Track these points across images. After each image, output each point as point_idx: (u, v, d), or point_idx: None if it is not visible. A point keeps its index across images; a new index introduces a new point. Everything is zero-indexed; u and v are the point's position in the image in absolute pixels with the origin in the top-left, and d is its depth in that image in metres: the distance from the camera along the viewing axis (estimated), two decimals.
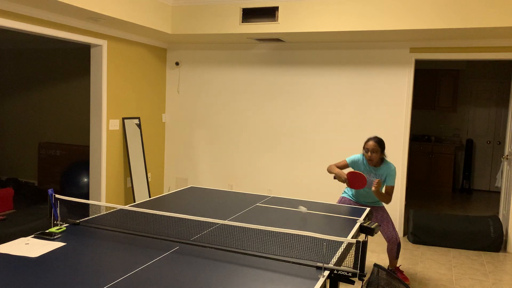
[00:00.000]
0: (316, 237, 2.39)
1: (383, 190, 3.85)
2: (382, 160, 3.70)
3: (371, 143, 3.60)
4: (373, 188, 3.52)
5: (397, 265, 4.29)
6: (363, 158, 3.75)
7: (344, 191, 3.98)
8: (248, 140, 5.92)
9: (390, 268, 3.92)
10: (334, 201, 5.51)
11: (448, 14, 4.22)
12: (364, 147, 3.65)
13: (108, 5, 4.26)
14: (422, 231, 4.96)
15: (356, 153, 5.38)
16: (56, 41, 6.98)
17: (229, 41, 5.69)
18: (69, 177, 5.99)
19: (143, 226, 2.53)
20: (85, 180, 5.97)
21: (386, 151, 5.23)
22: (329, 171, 3.76)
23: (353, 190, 3.84)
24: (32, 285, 1.68)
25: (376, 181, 3.50)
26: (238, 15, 4.99)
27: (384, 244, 4.96)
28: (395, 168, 3.67)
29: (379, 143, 3.60)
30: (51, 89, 7.28)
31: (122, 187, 5.52)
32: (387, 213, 3.84)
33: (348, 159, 3.79)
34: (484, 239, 4.80)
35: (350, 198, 3.89)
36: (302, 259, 2.07)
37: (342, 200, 3.92)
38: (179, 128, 6.31)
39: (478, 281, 3.97)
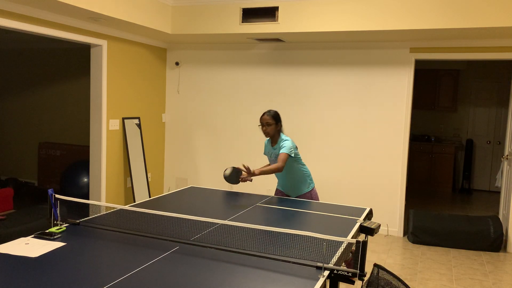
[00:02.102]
0: (316, 237, 2.39)
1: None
2: (279, 135, 3.63)
3: (264, 116, 3.56)
4: (251, 177, 3.41)
5: None
6: (267, 141, 3.76)
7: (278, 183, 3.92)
8: (248, 140, 5.91)
9: None
10: (333, 200, 5.51)
11: (448, 14, 4.22)
12: (260, 122, 3.58)
13: (108, 5, 4.26)
14: (422, 231, 4.96)
15: (354, 152, 5.39)
16: (56, 41, 6.98)
17: (229, 41, 5.69)
18: (69, 177, 5.99)
19: (143, 226, 2.53)
20: (85, 180, 5.97)
21: (386, 150, 5.23)
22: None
23: (280, 181, 3.79)
24: (32, 285, 1.68)
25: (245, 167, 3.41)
26: (238, 15, 4.99)
27: (384, 244, 4.96)
28: (288, 139, 3.57)
29: (273, 116, 3.55)
30: (51, 89, 7.28)
31: (122, 187, 5.52)
32: (316, 199, 3.73)
33: (264, 151, 3.80)
34: (484, 239, 4.80)
35: (279, 188, 3.83)
36: (302, 259, 2.07)
37: (275, 192, 3.88)
38: (179, 128, 6.31)
39: (478, 281, 3.97)
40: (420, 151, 8.13)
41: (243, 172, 3.54)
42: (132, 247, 2.16)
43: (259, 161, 5.86)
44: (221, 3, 5.06)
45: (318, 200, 3.74)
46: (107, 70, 5.14)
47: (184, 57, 6.20)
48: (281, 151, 3.53)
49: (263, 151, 5.84)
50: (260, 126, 3.58)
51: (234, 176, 3.57)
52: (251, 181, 3.56)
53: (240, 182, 3.57)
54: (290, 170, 3.66)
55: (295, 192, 3.73)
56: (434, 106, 8.22)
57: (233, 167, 3.54)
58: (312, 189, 3.75)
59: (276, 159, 3.62)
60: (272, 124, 3.56)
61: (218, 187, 6.14)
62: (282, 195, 3.82)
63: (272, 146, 3.70)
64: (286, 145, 3.55)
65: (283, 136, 3.63)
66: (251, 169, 3.74)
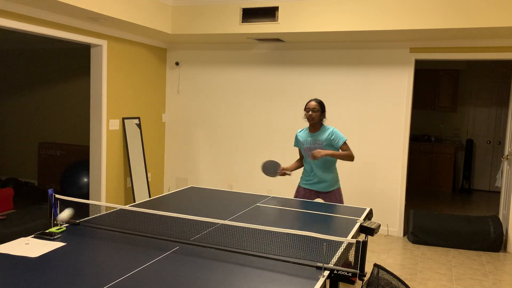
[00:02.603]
0: (316, 237, 2.39)
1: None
2: (321, 125, 3.77)
3: (312, 102, 3.71)
4: (318, 156, 3.52)
5: None
6: (301, 130, 3.86)
7: (300, 180, 3.94)
8: (248, 140, 5.92)
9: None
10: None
11: (448, 14, 4.22)
12: (305, 109, 3.73)
13: (108, 5, 4.26)
14: (422, 231, 4.96)
15: (354, 152, 5.38)
16: (56, 41, 6.98)
17: (229, 41, 5.69)
18: (69, 177, 5.99)
19: (143, 226, 2.53)
20: (85, 180, 5.97)
21: (386, 150, 5.23)
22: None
23: (306, 177, 3.81)
24: (32, 285, 1.68)
25: (313, 155, 3.54)
26: (238, 15, 4.99)
27: (384, 244, 4.96)
28: (334, 128, 3.74)
29: (320, 103, 3.72)
30: (51, 89, 7.28)
31: (122, 187, 5.52)
32: (341, 198, 3.79)
33: (294, 144, 3.94)
34: (484, 239, 4.80)
35: (305, 187, 3.83)
36: (302, 259, 2.07)
37: (297, 190, 3.87)
38: (179, 128, 6.31)
39: (478, 281, 3.97)
40: (420, 151, 8.13)
41: (281, 166, 3.78)
42: (132, 247, 2.16)
43: (260, 160, 5.86)
44: (221, 3, 5.06)
45: (342, 198, 3.84)
46: (107, 70, 5.14)
47: (184, 57, 6.20)
48: (340, 142, 3.66)
49: (263, 151, 5.84)
50: (305, 113, 3.74)
51: (271, 167, 3.70)
52: (290, 175, 3.76)
53: (278, 176, 3.79)
54: (332, 162, 3.76)
55: (329, 186, 3.77)
56: (434, 106, 8.22)
57: (271, 160, 3.73)
58: (339, 186, 3.88)
59: (315, 147, 3.70)
60: (318, 110, 3.69)
61: (218, 187, 6.14)
62: (305, 194, 3.82)
63: (310, 132, 3.76)
64: (339, 133, 3.71)
65: (327, 126, 3.76)
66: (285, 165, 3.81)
